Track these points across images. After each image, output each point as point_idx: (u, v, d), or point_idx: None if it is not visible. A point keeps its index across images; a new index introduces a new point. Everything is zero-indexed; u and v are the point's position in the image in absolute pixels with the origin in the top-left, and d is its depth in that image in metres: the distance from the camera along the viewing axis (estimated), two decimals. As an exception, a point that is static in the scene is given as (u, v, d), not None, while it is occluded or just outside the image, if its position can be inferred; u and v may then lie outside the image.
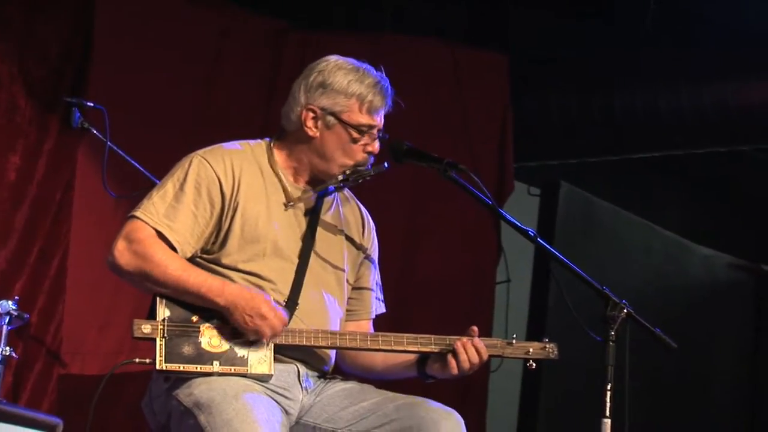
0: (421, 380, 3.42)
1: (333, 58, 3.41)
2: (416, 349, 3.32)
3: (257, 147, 3.41)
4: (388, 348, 3.31)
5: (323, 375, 3.39)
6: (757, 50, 6.40)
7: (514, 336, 3.40)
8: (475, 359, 3.31)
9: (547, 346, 3.38)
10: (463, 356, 3.29)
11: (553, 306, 6.60)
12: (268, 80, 6.20)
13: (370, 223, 3.57)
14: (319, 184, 3.39)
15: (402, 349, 3.32)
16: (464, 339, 3.31)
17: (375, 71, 3.39)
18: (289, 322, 3.24)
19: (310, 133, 3.36)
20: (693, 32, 6.64)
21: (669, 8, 6.54)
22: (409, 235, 6.55)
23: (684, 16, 6.61)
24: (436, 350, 3.32)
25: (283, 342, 3.22)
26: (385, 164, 3.40)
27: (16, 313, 4.53)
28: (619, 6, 6.71)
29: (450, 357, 3.31)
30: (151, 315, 3.20)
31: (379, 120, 3.37)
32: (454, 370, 3.31)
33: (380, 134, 3.38)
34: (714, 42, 6.54)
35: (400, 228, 6.46)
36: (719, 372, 8.06)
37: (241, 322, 3.16)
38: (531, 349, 3.38)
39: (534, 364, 3.38)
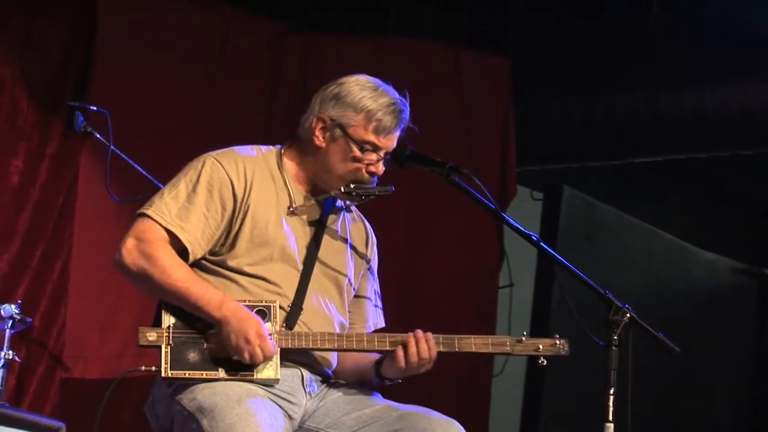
0: (380, 383, 3.38)
1: (356, 75, 3.38)
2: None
3: (269, 153, 3.41)
4: (390, 349, 3.27)
5: (326, 379, 3.39)
6: (759, 53, 6.39)
7: (524, 333, 3.36)
8: (425, 353, 3.24)
9: (558, 342, 3.33)
10: (412, 349, 3.24)
11: (555, 310, 6.59)
12: (269, 83, 6.21)
13: (373, 238, 3.57)
14: (321, 195, 3.38)
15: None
16: (418, 333, 3.26)
17: (395, 94, 3.36)
18: (293, 327, 3.24)
19: (317, 142, 3.35)
20: (695, 35, 6.63)
21: (671, 11, 6.54)
22: (412, 239, 6.55)
23: (686, 19, 6.61)
24: (443, 350, 3.27)
25: (288, 346, 3.21)
26: (392, 188, 3.37)
27: (18, 317, 4.53)
28: (621, 9, 6.71)
29: (398, 348, 3.25)
30: (157, 322, 3.20)
31: (386, 142, 3.34)
32: (401, 363, 3.25)
33: (387, 157, 3.35)
34: (716, 45, 6.54)
35: (403, 233, 6.46)
36: (722, 376, 8.06)
37: (226, 337, 3.15)
38: (541, 346, 3.33)
39: (545, 361, 3.33)
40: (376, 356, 3.37)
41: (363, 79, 3.37)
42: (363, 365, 3.40)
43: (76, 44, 5.61)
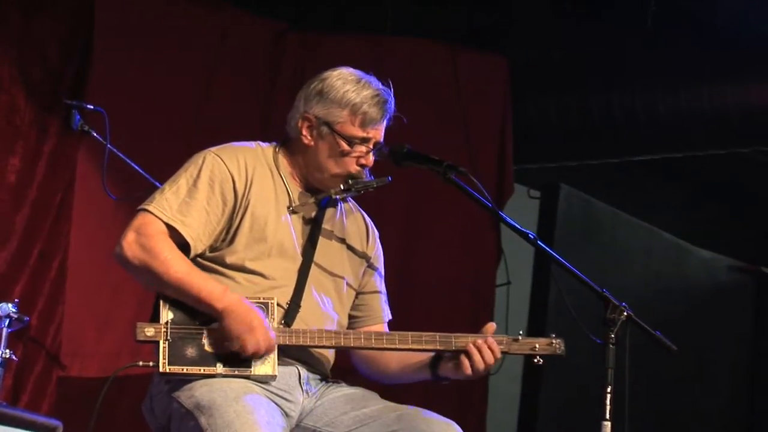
0: (435, 382, 3.39)
1: (338, 69, 3.38)
2: (419, 347, 3.29)
3: (267, 149, 3.42)
4: (392, 347, 3.29)
5: (324, 377, 3.39)
6: (757, 52, 6.40)
7: (520, 332, 3.37)
8: (490, 359, 3.28)
9: (554, 341, 3.35)
10: (476, 357, 3.26)
11: (553, 308, 6.60)
12: (268, 82, 6.21)
13: (375, 233, 3.56)
14: (318, 193, 3.38)
15: (406, 348, 3.29)
16: (478, 340, 3.28)
17: (379, 84, 3.36)
18: (292, 324, 3.25)
19: (306, 141, 3.35)
20: (693, 34, 6.63)
21: (669, 10, 6.54)
22: (409, 238, 6.55)
23: (684, 18, 6.61)
24: (440, 348, 3.29)
25: (287, 342, 3.21)
26: (389, 178, 3.38)
27: (16, 316, 4.52)
28: (619, 8, 6.71)
29: (463, 357, 3.28)
30: (154, 317, 3.20)
31: (374, 133, 3.34)
32: (468, 371, 3.28)
33: (379, 147, 3.35)
34: (714, 43, 6.54)
35: (400, 231, 6.45)
36: (719, 374, 8.06)
37: (228, 328, 3.14)
38: (537, 345, 3.34)
39: (541, 360, 3.35)
40: (423, 355, 3.36)
41: (345, 72, 3.36)
42: (411, 365, 3.39)
43: (74, 43, 5.61)
